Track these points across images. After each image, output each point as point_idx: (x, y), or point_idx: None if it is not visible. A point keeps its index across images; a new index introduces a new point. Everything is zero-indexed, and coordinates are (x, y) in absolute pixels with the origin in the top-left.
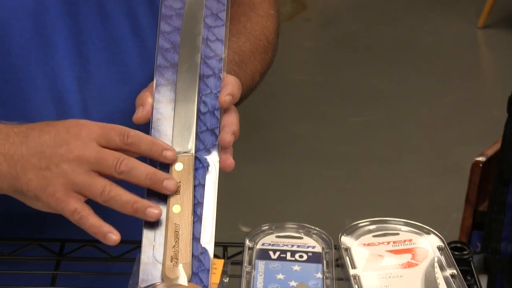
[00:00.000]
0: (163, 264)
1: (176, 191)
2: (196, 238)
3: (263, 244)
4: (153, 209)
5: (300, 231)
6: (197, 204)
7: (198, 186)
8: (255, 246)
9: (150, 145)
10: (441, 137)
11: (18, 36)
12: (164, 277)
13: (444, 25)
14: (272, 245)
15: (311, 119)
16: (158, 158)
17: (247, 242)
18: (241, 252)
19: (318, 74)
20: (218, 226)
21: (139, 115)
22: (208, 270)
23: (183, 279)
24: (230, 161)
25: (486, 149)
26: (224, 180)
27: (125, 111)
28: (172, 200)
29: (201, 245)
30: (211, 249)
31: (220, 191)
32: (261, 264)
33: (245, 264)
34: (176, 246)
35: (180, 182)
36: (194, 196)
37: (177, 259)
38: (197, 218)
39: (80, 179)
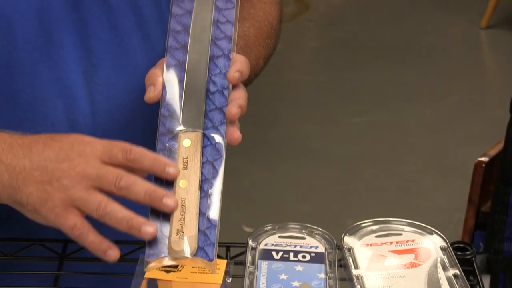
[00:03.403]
0: (169, 237)
1: (184, 167)
2: (202, 213)
3: (266, 245)
4: (148, 227)
5: (303, 231)
6: (205, 181)
7: (206, 163)
8: (258, 246)
9: (152, 162)
10: (444, 138)
11: (23, 32)
12: (169, 250)
13: (447, 26)
14: (275, 245)
15: (314, 120)
16: (161, 175)
17: (250, 242)
18: (244, 253)
19: (321, 74)
20: (221, 227)
21: (151, 94)
22: (214, 244)
23: (187, 252)
24: (237, 134)
25: (489, 150)
26: (226, 181)
27: (131, 103)
28: (179, 175)
29: (207, 219)
30: (217, 224)
31: (223, 192)
32: (264, 265)
33: (248, 264)
34: (182, 219)
35: (187, 157)
36: (202, 173)
37: (183, 232)
38: (204, 194)
39: (79, 194)
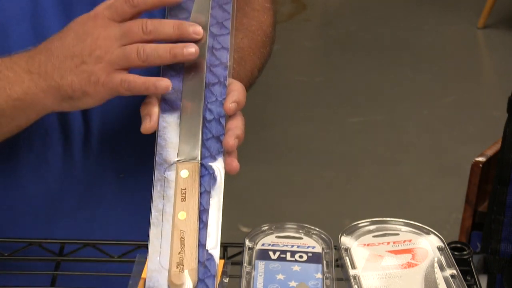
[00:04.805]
0: (169, 271)
1: (182, 198)
2: (202, 245)
3: (263, 245)
4: (190, 48)
5: (300, 231)
6: (203, 211)
7: (204, 193)
8: (255, 246)
9: (175, 26)
10: (441, 138)
11: (17, 38)
12: (170, 284)
13: (444, 26)
14: (272, 245)
15: (310, 120)
16: (187, 36)
17: (247, 242)
18: (241, 253)
19: (317, 74)
20: None
21: (147, 126)
22: (214, 276)
23: (188, 285)
24: (235, 164)
25: (486, 150)
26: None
27: (125, 106)
28: (177, 206)
29: (207, 251)
30: (217, 255)
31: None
32: (261, 265)
33: (245, 265)
34: (181, 252)
35: (185, 189)
36: (200, 203)
37: (183, 265)
38: (203, 224)
39: (115, 55)
